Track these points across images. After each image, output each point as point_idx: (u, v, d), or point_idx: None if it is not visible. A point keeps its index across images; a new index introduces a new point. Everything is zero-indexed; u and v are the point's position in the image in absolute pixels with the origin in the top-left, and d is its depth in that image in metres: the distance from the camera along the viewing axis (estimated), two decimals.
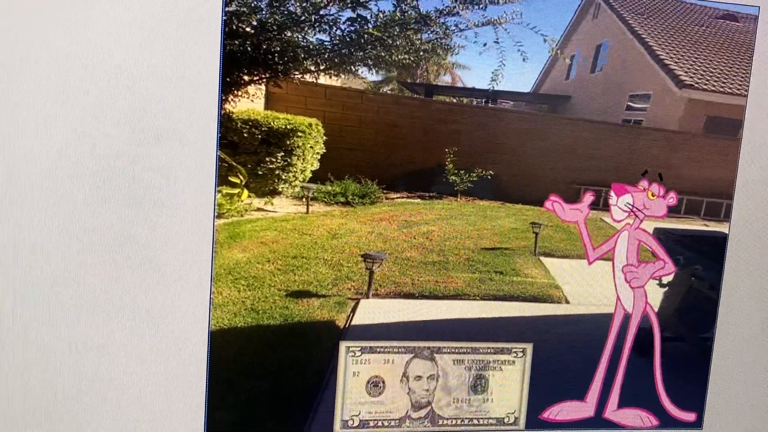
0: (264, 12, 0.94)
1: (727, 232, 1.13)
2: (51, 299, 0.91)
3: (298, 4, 0.94)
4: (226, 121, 0.95)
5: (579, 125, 1.09)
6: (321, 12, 0.95)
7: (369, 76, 1.02)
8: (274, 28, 0.94)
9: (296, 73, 0.98)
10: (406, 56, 1.00)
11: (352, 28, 0.97)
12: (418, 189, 1.07)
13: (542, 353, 1.09)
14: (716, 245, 1.13)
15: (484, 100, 1.08)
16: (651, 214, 1.10)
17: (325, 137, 1.03)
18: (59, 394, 0.93)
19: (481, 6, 0.99)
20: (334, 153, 1.03)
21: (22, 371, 0.91)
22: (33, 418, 0.93)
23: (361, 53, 0.99)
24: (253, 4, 0.93)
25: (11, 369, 0.91)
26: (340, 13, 0.96)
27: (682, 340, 1.16)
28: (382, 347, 1.03)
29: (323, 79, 1.01)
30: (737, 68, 1.10)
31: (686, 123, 1.12)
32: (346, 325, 1.03)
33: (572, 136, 1.08)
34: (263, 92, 1.00)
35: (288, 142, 1.04)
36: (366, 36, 0.98)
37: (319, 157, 1.04)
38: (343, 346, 1.02)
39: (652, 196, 1.09)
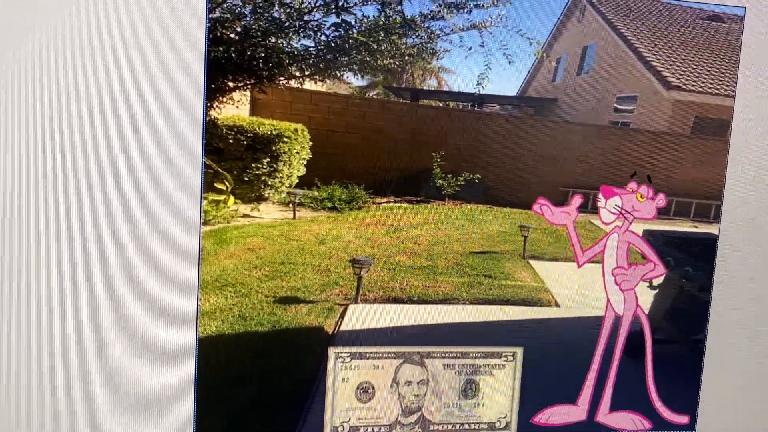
0: (248, 18, 0.94)
1: (717, 234, 1.13)
2: (39, 306, 0.90)
3: (282, 10, 0.94)
4: (211, 128, 0.95)
5: (566, 127, 1.09)
6: (305, 18, 0.95)
7: (354, 81, 1.02)
8: (259, 34, 0.94)
9: (281, 78, 0.98)
10: (392, 61, 1.00)
11: (337, 34, 0.97)
12: (405, 193, 1.07)
13: (533, 357, 1.08)
14: (706, 247, 1.13)
15: (470, 104, 1.08)
16: (640, 216, 1.09)
17: (311, 142, 1.03)
18: (44, 399, 0.92)
19: (465, 10, 0.99)
20: (320, 158, 1.03)
21: (12, 376, 0.91)
22: (20, 420, 0.92)
23: (346, 58, 0.99)
24: (236, 11, 0.93)
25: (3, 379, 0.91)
26: (325, 19, 0.96)
27: (674, 342, 1.15)
28: (371, 353, 1.03)
29: (308, 85, 1.01)
30: (724, 69, 1.10)
31: (674, 124, 1.12)
32: (335, 331, 1.02)
33: (559, 139, 1.08)
34: (248, 98, 1.00)
35: (274, 148, 1.04)
36: (351, 41, 0.98)
37: (305, 162, 1.04)
38: (332, 352, 1.02)
39: (641, 198, 1.09)
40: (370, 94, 1.06)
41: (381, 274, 1.05)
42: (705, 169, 1.12)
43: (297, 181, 1.05)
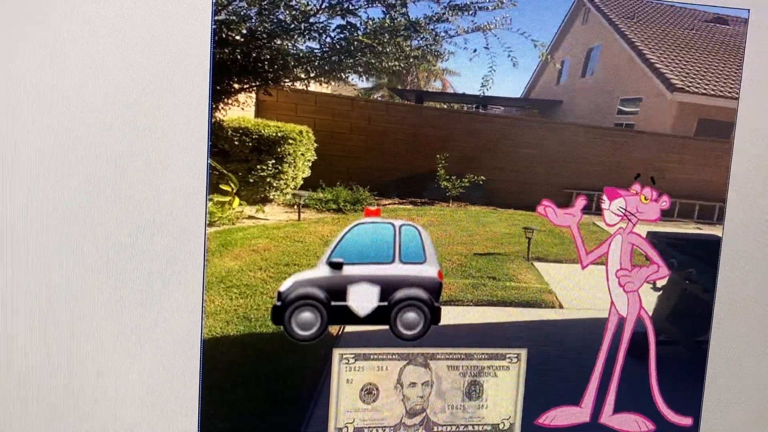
0: (253, 20, 0.94)
1: (720, 235, 1.13)
2: (44, 308, 0.91)
3: (287, 12, 0.95)
4: (216, 130, 0.95)
5: (570, 129, 1.09)
6: (310, 20, 0.95)
7: (359, 83, 1.03)
8: (264, 36, 0.95)
9: (286, 80, 0.99)
10: (396, 63, 1.01)
11: (342, 36, 0.97)
12: (409, 195, 1.07)
13: (537, 358, 1.09)
14: (710, 248, 1.13)
15: (474, 106, 1.08)
16: (644, 218, 1.10)
17: (315, 144, 1.03)
18: (51, 402, 0.93)
19: (470, 12, 0.99)
20: (325, 160, 1.03)
21: (18, 379, 0.91)
22: (29, 421, 0.92)
23: (351, 60, 0.99)
24: (242, 13, 0.93)
25: (9, 377, 0.91)
26: (330, 21, 0.96)
27: (678, 344, 1.16)
28: (375, 354, 1.03)
29: (313, 87, 1.01)
30: (728, 71, 1.10)
31: (678, 126, 1.12)
32: (339, 332, 1.02)
33: (564, 141, 1.08)
34: (254, 100, 1.00)
35: (279, 150, 1.04)
36: (356, 43, 0.98)
37: (310, 164, 1.04)
38: (336, 353, 1.02)
39: (645, 199, 1.09)
40: (375, 96, 1.06)
41: None
42: (709, 171, 1.12)
43: (302, 182, 1.05)
